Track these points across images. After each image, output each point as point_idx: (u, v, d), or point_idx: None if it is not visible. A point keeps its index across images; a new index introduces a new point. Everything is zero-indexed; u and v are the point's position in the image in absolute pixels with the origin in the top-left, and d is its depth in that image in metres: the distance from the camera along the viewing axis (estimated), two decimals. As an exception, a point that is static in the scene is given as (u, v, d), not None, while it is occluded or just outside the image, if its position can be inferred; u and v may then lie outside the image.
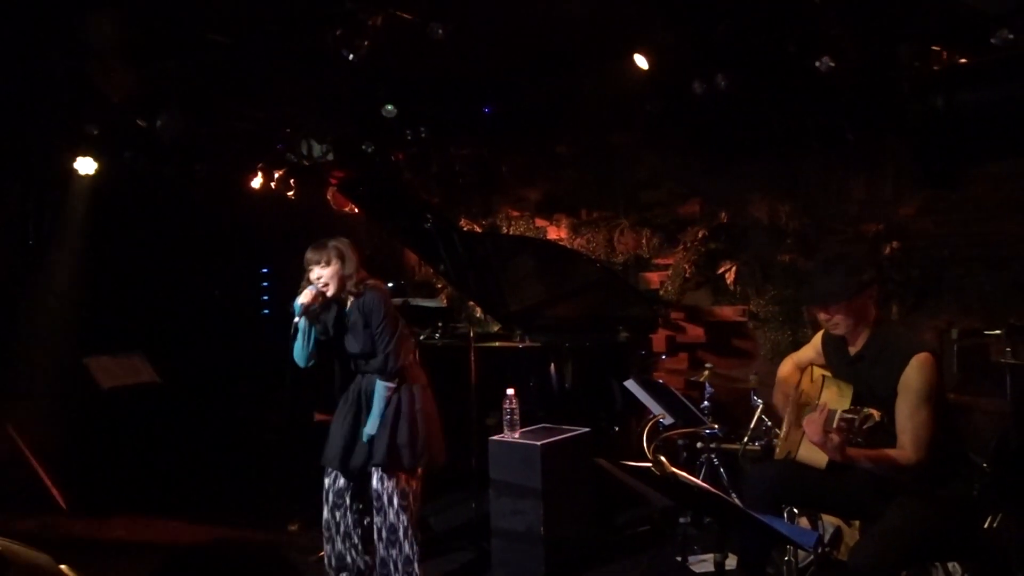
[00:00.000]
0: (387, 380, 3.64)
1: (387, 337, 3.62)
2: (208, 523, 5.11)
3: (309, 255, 3.63)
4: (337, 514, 3.77)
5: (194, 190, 6.24)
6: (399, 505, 3.65)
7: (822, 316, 2.94)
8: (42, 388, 5.62)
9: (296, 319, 3.58)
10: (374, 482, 3.69)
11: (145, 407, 5.86)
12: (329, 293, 3.63)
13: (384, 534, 3.67)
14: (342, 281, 3.63)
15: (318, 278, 3.61)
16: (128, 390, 5.66)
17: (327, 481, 3.80)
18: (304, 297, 3.56)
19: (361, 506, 3.79)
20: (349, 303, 3.69)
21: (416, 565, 3.69)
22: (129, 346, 5.90)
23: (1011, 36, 3.81)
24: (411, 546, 3.68)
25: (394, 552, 3.67)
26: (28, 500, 5.11)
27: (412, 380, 3.75)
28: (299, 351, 3.67)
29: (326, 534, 3.81)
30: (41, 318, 5.78)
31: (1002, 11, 3.73)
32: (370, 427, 3.62)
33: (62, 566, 1.54)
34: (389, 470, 3.64)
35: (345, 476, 3.75)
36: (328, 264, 3.61)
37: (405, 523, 3.66)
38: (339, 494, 3.77)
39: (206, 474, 5.92)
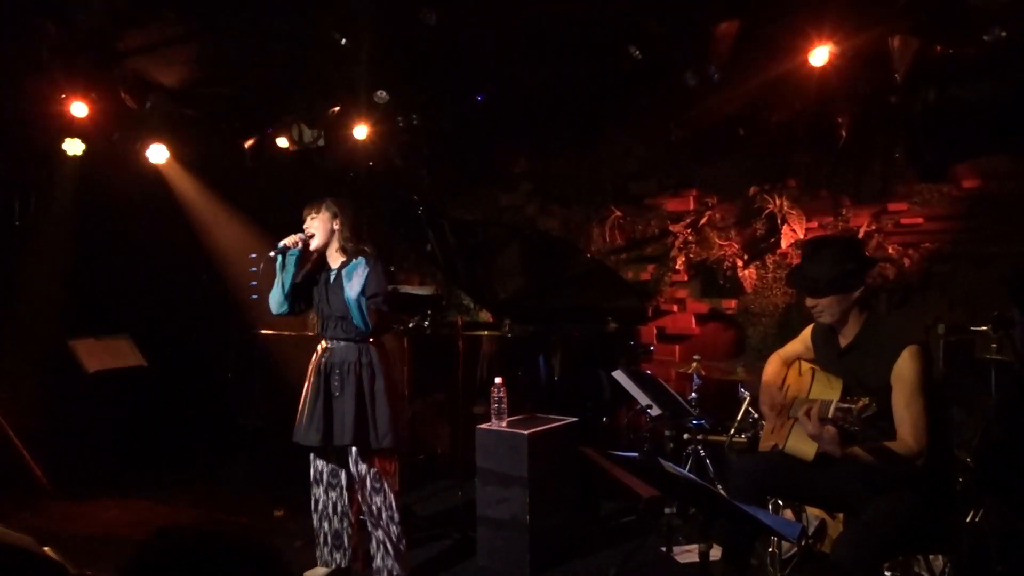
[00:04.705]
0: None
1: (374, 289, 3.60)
2: (193, 507, 5.10)
3: (305, 208, 3.72)
4: (332, 494, 3.83)
5: (184, 173, 6.21)
6: (371, 487, 3.70)
7: (809, 302, 2.95)
8: (26, 370, 5.57)
9: (270, 253, 3.66)
10: (351, 464, 3.74)
11: (130, 390, 5.83)
12: (313, 244, 3.69)
13: (364, 517, 3.76)
14: (329, 235, 3.69)
15: (306, 227, 3.69)
16: (114, 373, 5.63)
17: (319, 463, 3.83)
18: (286, 239, 3.65)
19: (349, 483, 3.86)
20: (337, 263, 3.72)
21: (402, 544, 3.75)
22: (115, 329, 5.87)
23: (1004, 33, 3.82)
24: (390, 526, 3.72)
25: (379, 533, 3.74)
26: (11, 481, 5.08)
27: (382, 357, 3.73)
28: (273, 295, 3.73)
29: (320, 514, 3.85)
30: (27, 299, 5.73)
31: (995, 6, 3.73)
32: (349, 290, 3.57)
33: (44, 548, 1.53)
34: (363, 451, 3.68)
35: (319, 454, 3.79)
36: (317, 216, 3.68)
37: (380, 505, 3.71)
38: (333, 474, 3.82)
39: (191, 458, 5.90)
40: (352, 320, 3.62)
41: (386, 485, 3.71)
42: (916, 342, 2.75)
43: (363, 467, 3.70)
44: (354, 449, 3.68)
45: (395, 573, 3.72)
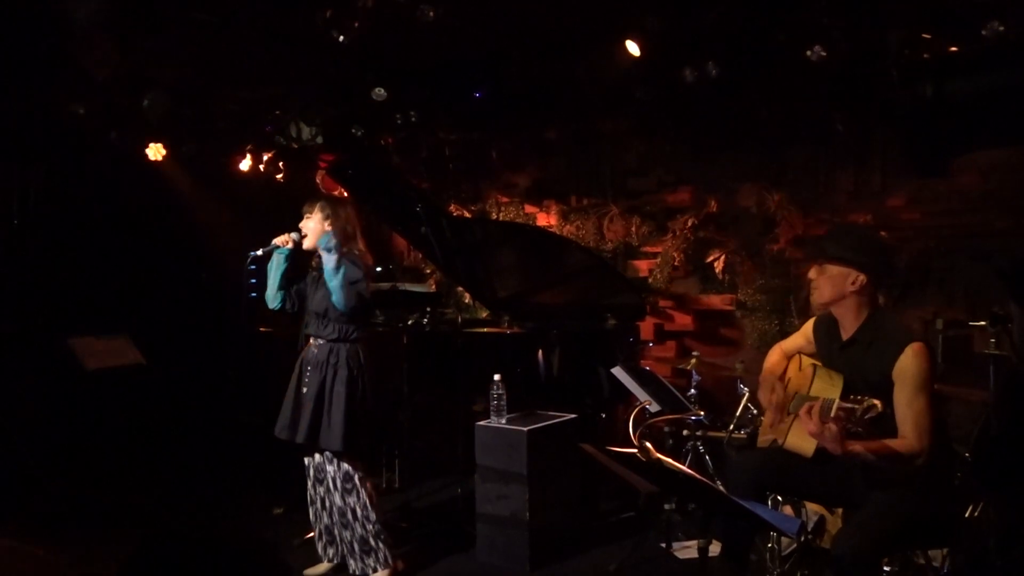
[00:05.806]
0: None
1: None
2: (192, 505, 5.10)
3: (304, 207, 3.77)
4: (320, 489, 3.83)
5: (183, 172, 6.21)
6: (343, 488, 3.72)
7: (811, 274, 2.95)
8: (25, 368, 5.57)
9: (257, 251, 3.75)
10: (322, 462, 3.78)
11: (129, 388, 5.82)
12: (305, 244, 3.74)
13: (335, 516, 3.76)
14: (319, 236, 3.70)
15: (301, 227, 3.75)
16: (112, 371, 5.63)
17: (308, 459, 3.86)
18: (277, 238, 3.72)
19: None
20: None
21: (375, 542, 3.72)
22: (114, 327, 5.86)
23: (1001, 28, 3.82)
24: (364, 527, 3.71)
25: (347, 534, 3.74)
26: (9, 480, 5.08)
27: (352, 360, 3.72)
28: (267, 291, 3.82)
29: (312, 509, 3.87)
30: (26, 298, 5.72)
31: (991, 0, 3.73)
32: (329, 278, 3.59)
33: (39, 547, 1.53)
34: (332, 452, 3.70)
35: (307, 450, 3.82)
36: (311, 216, 3.73)
37: (353, 505, 3.71)
38: (319, 468, 3.82)
39: (191, 456, 5.90)
40: (329, 314, 3.66)
41: (358, 484, 3.71)
42: (920, 339, 2.74)
43: (332, 466, 3.74)
44: (323, 449, 3.71)
45: (370, 573, 3.73)
